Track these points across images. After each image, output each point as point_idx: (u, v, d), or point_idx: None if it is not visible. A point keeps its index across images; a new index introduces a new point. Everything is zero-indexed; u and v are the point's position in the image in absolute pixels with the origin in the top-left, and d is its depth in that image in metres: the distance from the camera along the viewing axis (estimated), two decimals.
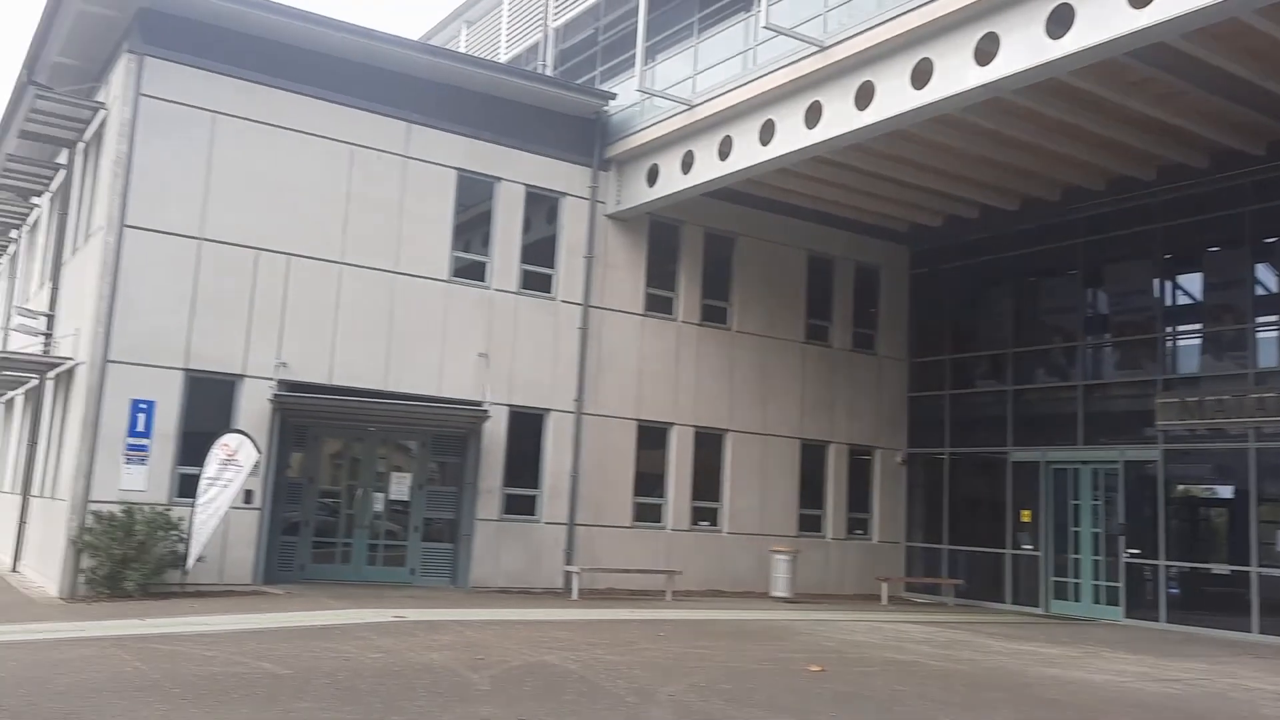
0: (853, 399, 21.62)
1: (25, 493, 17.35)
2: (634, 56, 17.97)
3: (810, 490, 20.96)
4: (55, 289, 17.56)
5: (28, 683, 7.94)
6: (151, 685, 7.98)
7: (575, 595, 16.83)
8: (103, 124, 15.93)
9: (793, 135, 15.31)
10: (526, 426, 17.76)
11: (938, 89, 13.24)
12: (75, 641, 10.17)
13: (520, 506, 17.62)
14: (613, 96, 18.57)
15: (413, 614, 13.01)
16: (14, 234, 24.22)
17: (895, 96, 13.78)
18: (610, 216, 18.75)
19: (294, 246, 15.73)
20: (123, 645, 9.81)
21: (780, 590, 18.60)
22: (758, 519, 20.04)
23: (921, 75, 13.42)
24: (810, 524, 20.89)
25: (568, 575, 17.43)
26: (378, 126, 16.58)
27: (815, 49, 14.59)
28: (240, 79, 15.51)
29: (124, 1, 14.81)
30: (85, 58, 16.44)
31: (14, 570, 16.93)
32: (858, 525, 21.71)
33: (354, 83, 16.37)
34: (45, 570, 15.06)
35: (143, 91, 14.81)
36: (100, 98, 16.28)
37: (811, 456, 21.02)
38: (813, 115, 14.99)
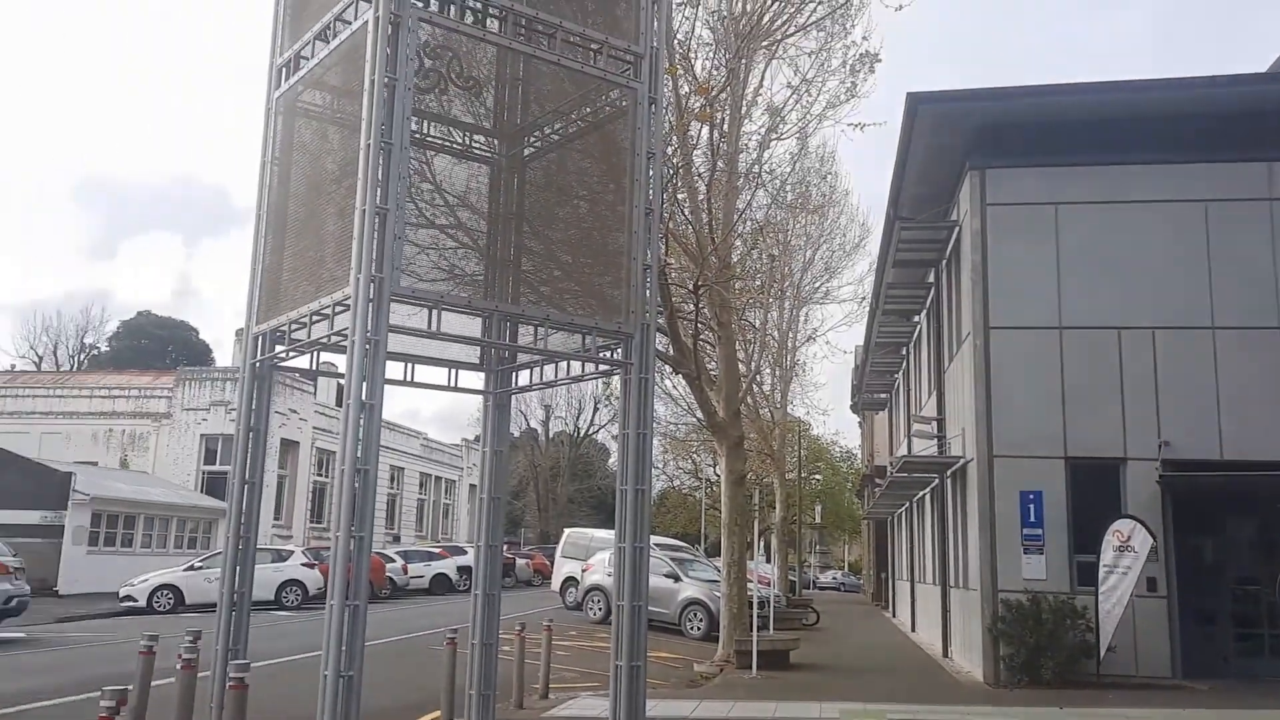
0: None
1: (943, 583, 19.17)
2: None
3: None
4: (940, 394, 19.50)
5: None
6: None
7: None
8: (957, 239, 17.45)
9: None
10: None
11: None
12: None
13: None
14: None
15: None
16: (903, 351, 27.54)
17: None
18: None
19: (1156, 319, 15.07)
20: None
21: None
22: None
23: None
24: None
25: None
26: (1230, 175, 15.24)
27: None
28: (1073, 165, 15.69)
29: (962, 127, 16.22)
30: (934, 184, 18.26)
31: (945, 655, 18.65)
32: None
33: (1193, 137, 15.32)
34: (969, 656, 16.28)
35: (988, 201, 15.87)
36: (952, 216, 17.90)
37: None
38: None
